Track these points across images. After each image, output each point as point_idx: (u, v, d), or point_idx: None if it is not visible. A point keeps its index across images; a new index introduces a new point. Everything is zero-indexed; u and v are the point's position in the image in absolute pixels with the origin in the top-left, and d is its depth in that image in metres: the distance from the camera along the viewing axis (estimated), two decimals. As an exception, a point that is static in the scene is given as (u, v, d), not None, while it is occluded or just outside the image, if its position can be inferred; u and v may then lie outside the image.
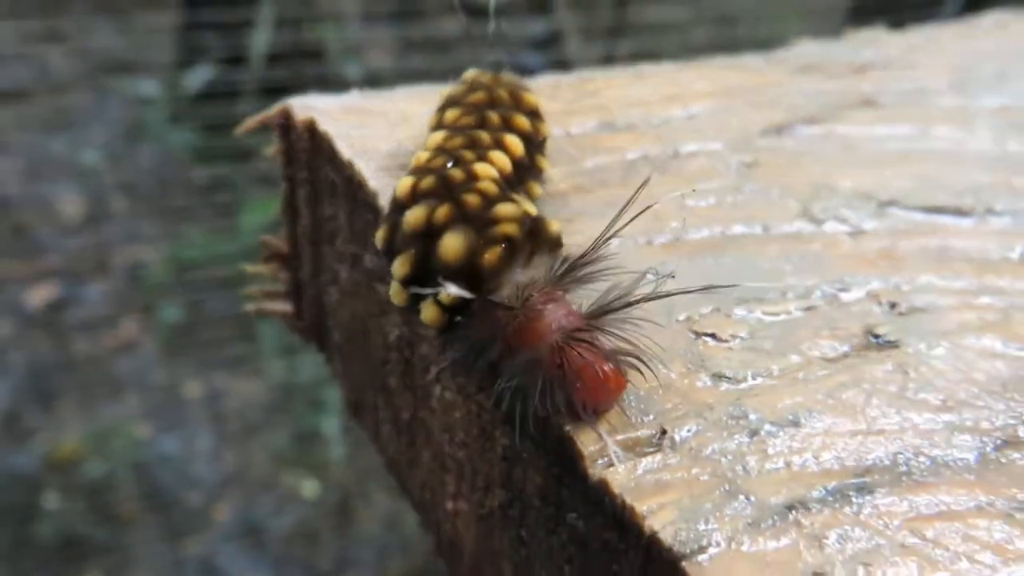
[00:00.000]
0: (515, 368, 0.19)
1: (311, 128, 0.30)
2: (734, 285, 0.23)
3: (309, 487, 1.55)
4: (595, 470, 0.18)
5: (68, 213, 1.77)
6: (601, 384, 0.18)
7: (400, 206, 0.21)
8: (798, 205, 0.29)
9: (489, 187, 0.21)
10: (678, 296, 0.24)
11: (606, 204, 0.28)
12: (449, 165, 0.22)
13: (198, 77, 1.64)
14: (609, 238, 0.21)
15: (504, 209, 0.20)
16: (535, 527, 0.22)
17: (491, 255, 0.19)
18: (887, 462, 0.19)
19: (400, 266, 0.20)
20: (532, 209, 0.21)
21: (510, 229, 0.20)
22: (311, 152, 0.31)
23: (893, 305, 0.24)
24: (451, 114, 0.25)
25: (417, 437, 0.28)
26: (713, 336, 0.22)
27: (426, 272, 0.20)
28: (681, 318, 0.23)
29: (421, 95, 0.33)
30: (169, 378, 1.57)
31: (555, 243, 0.21)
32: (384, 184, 0.27)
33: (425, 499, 0.28)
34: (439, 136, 0.24)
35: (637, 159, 0.31)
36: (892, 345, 0.23)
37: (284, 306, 0.36)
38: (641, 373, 0.19)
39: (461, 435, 0.25)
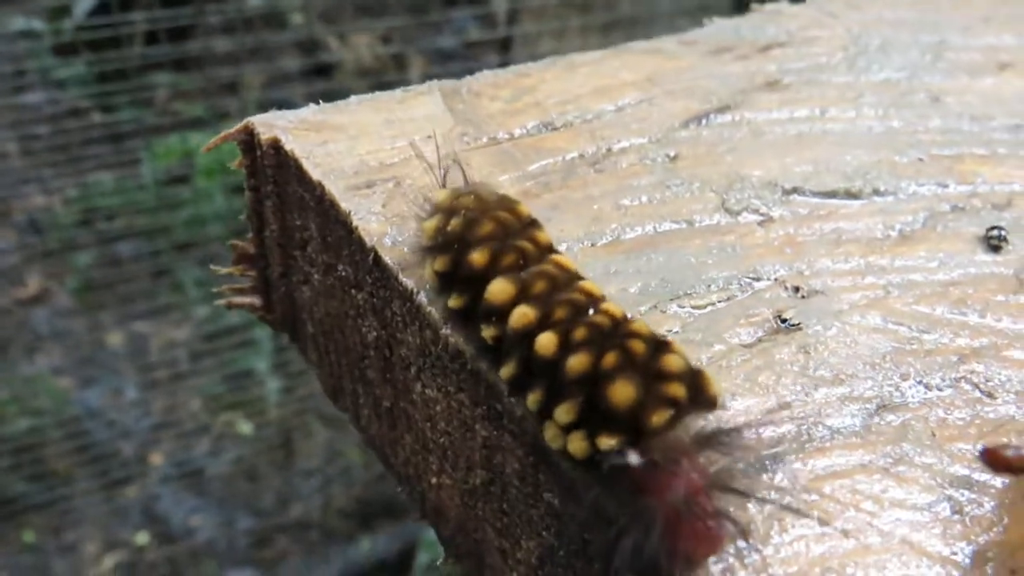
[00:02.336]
0: (633, 508, 0.19)
1: (276, 146, 0.33)
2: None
3: (245, 426, 1.58)
4: (567, 467, 0.23)
5: None
6: (709, 544, 0.19)
7: (550, 360, 0.21)
8: (716, 197, 0.33)
9: (642, 328, 0.21)
10: (621, 297, 0.28)
11: (552, 207, 0.32)
12: (561, 311, 0.22)
13: (81, 7, 1.56)
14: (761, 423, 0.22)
15: (672, 362, 0.20)
16: (515, 501, 0.26)
17: (659, 418, 0.19)
18: (794, 432, 0.24)
19: (566, 413, 0.21)
20: (689, 359, 0.21)
21: (679, 392, 0.20)
22: (276, 168, 0.33)
23: (797, 289, 0.29)
24: (479, 256, 0.24)
25: (398, 423, 0.32)
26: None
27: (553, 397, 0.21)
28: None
29: (376, 106, 0.35)
30: (88, 329, 1.55)
31: (711, 404, 0.20)
32: (355, 204, 0.30)
33: (409, 473, 0.32)
34: (505, 287, 0.23)
35: (575, 158, 0.34)
36: (796, 328, 0.28)
37: (253, 300, 0.39)
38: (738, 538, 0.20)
39: (443, 425, 0.29)
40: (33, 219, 1.63)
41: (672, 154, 0.35)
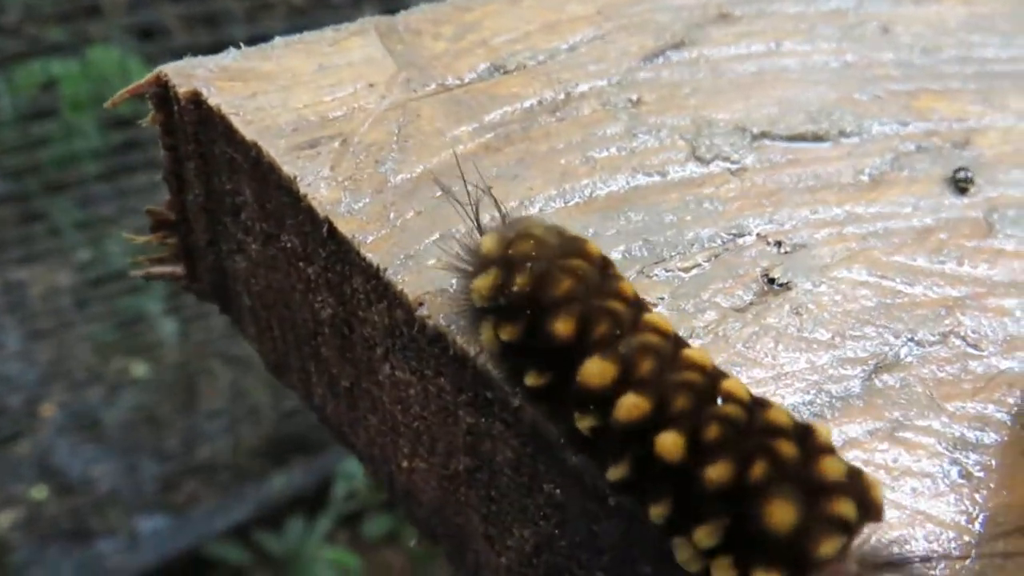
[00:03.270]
0: None
1: (196, 100, 0.29)
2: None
3: (141, 370, 1.50)
4: (570, 457, 0.21)
5: None
6: None
7: (678, 466, 0.18)
8: (686, 145, 0.31)
9: (782, 417, 0.18)
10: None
11: (518, 162, 0.29)
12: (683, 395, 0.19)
13: None
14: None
15: (832, 468, 0.17)
16: (507, 490, 0.24)
17: (829, 547, 0.16)
18: (800, 403, 0.23)
19: (708, 536, 0.17)
20: (843, 457, 0.18)
21: (849, 512, 0.17)
22: (199, 125, 0.29)
23: (779, 244, 0.28)
24: (562, 326, 0.20)
25: (360, 403, 0.29)
26: (643, 301, 0.25)
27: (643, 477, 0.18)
28: (609, 282, 0.26)
29: (306, 49, 0.31)
30: None
31: (877, 515, 0.17)
32: (300, 168, 0.27)
33: (374, 455, 0.30)
34: (605, 368, 0.19)
35: (534, 106, 0.32)
36: (786, 288, 0.26)
37: (174, 269, 0.35)
38: None
39: (417, 409, 0.26)
40: None
41: (634, 98, 0.33)
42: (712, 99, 0.34)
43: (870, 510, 0.17)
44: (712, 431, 0.18)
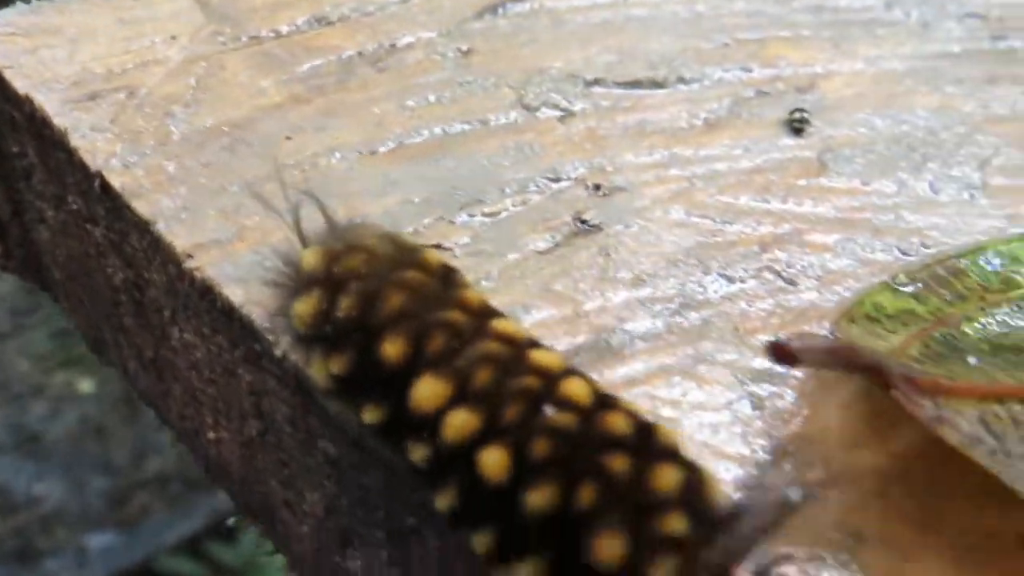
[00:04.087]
0: None
1: (-29, 55, 0.27)
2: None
3: (86, 383, 1.46)
4: (331, 405, 0.20)
5: None
6: None
7: (503, 489, 0.16)
8: (513, 93, 0.30)
9: (620, 423, 0.16)
10: (404, 210, 0.25)
11: (326, 114, 0.27)
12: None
13: None
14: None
15: (665, 478, 0.15)
16: (292, 450, 0.23)
17: (659, 571, 0.15)
18: (592, 341, 0.22)
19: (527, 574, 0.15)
20: (684, 452, 0.16)
21: (679, 527, 0.15)
22: (-21, 82, 0.27)
23: (598, 187, 0.27)
24: (392, 348, 0.17)
25: (165, 373, 0.28)
26: (438, 246, 0.24)
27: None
28: (409, 230, 0.24)
29: (107, 2, 0.29)
30: None
31: (711, 520, 0.15)
32: (74, 120, 0.25)
33: (186, 428, 0.28)
34: (435, 387, 0.17)
35: (353, 57, 0.30)
36: (596, 229, 0.25)
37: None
38: None
39: (207, 372, 0.25)
40: None
41: (465, 48, 0.32)
42: (549, 49, 0.32)
43: (705, 518, 0.15)
44: (539, 446, 0.15)
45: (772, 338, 0.20)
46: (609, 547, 0.15)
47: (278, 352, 0.20)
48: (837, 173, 0.29)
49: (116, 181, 0.24)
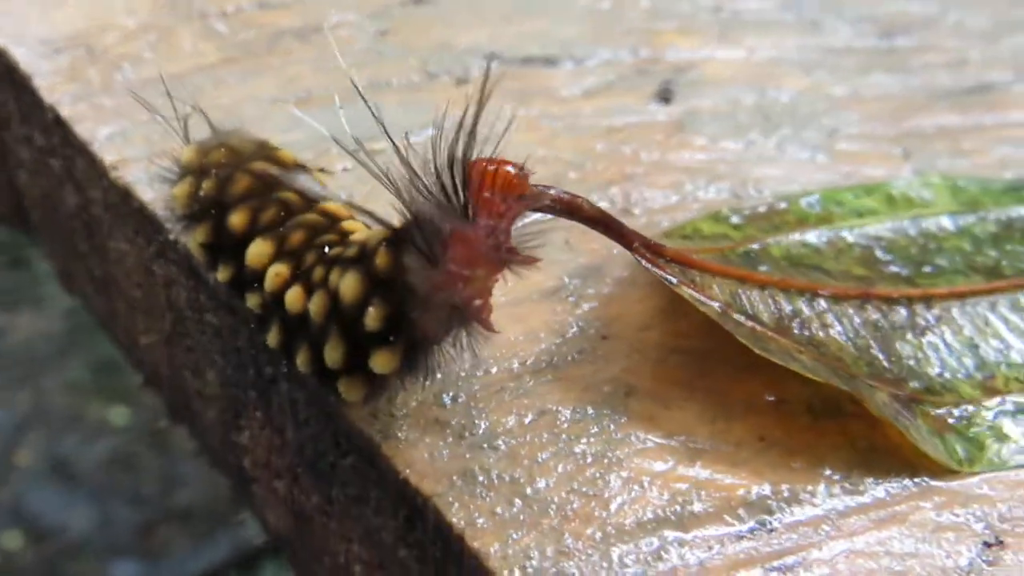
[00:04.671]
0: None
1: (-38, 19, 0.32)
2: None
3: (118, 414, 1.51)
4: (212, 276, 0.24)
5: None
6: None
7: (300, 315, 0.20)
8: (419, 63, 0.35)
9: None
10: (299, 142, 0.30)
11: (250, 73, 0.33)
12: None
13: None
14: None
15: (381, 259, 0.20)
16: (194, 333, 0.27)
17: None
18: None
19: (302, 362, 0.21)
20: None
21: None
22: (-31, 43, 0.33)
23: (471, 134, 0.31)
24: (236, 219, 0.22)
25: (112, 290, 0.32)
26: (322, 169, 0.28)
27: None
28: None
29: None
30: None
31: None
32: (39, 67, 0.30)
33: (128, 343, 0.33)
34: (263, 248, 0.21)
35: (284, 31, 0.35)
36: (464, 164, 0.30)
37: (-18, 196, 0.39)
38: None
39: (136, 277, 0.30)
40: None
41: (384, 28, 0.37)
42: (459, 30, 0.37)
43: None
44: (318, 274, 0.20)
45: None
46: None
47: (171, 236, 0.25)
48: (693, 133, 0.33)
49: (65, 112, 0.29)
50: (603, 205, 0.29)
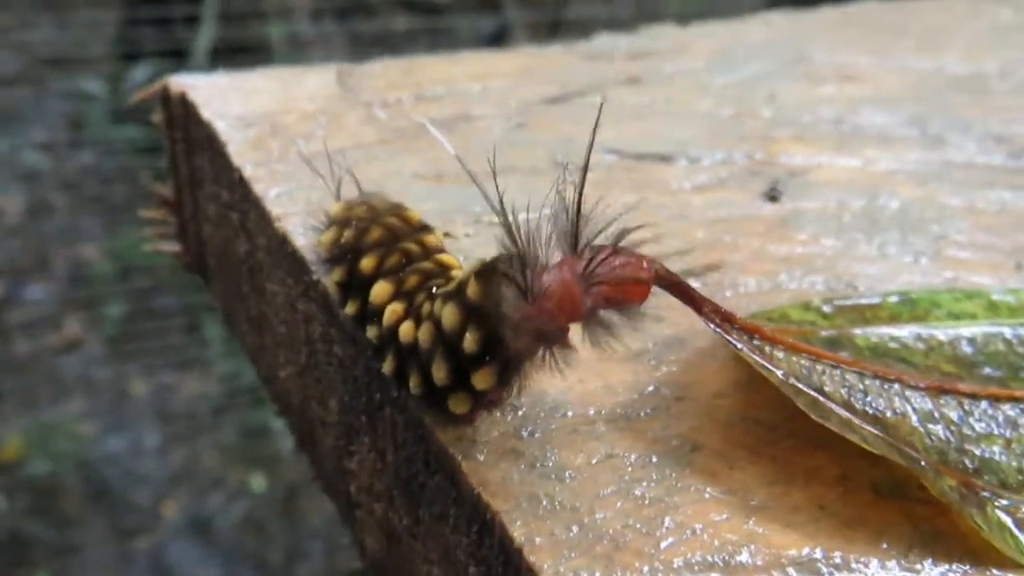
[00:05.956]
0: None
1: (183, 98, 0.40)
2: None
3: (257, 481, 1.60)
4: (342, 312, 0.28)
5: (9, 212, 1.76)
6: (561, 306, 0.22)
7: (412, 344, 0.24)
8: (546, 153, 0.39)
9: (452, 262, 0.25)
10: (433, 211, 0.34)
11: (400, 152, 0.38)
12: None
13: (140, 74, 1.69)
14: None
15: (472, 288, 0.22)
16: (322, 364, 0.31)
17: (470, 342, 0.22)
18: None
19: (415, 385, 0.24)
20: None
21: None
22: (184, 117, 0.40)
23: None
24: (366, 263, 0.26)
25: (263, 327, 0.38)
26: (447, 234, 0.32)
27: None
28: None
29: (278, 76, 0.43)
30: (115, 376, 1.60)
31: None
32: (232, 136, 0.37)
33: (269, 374, 0.38)
34: (384, 287, 0.25)
35: (433, 120, 0.41)
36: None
37: (174, 246, 0.46)
38: None
39: (283, 315, 0.34)
40: (74, 270, 1.70)
41: (521, 122, 0.41)
42: (588, 127, 0.41)
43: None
44: (421, 302, 0.24)
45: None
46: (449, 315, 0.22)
47: (314, 277, 0.30)
48: (795, 229, 0.35)
49: (248, 173, 0.35)
50: (696, 286, 0.31)
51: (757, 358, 0.24)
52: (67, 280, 1.71)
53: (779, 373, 0.24)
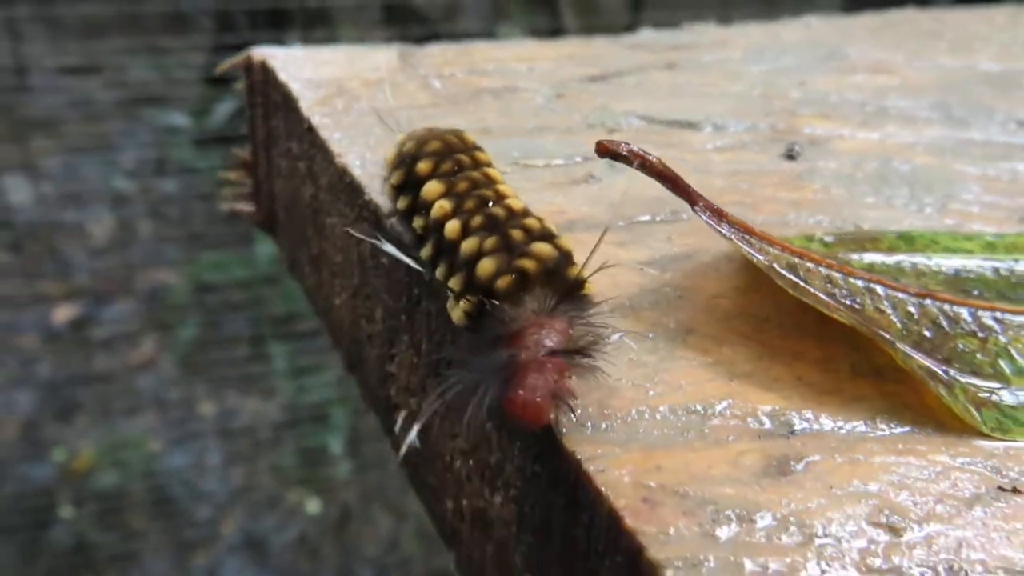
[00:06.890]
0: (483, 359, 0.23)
1: (263, 66, 0.45)
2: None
3: (313, 504, 1.64)
4: (391, 215, 0.32)
5: (97, 236, 1.87)
6: (525, 411, 0.22)
7: (454, 242, 0.26)
8: (581, 117, 0.43)
9: (532, 223, 0.26)
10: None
11: (450, 113, 0.42)
12: (487, 204, 0.27)
13: (223, 111, 1.80)
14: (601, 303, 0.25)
15: (540, 249, 0.24)
16: (371, 280, 0.35)
17: (504, 283, 0.24)
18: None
19: (455, 283, 0.25)
20: (568, 249, 0.25)
21: (528, 265, 0.24)
22: (264, 82, 0.46)
23: (612, 165, 0.38)
24: (424, 166, 0.29)
25: (321, 264, 0.42)
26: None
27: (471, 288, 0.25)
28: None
29: (348, 51, 0.48)
30: (184, 395, 1.67)
31: (574, 284, 0.24)
32: (304, 94, 0.42)
33: (326, 306, 0.42)
34: (436, 186, 0.28)
35: (483, 90, 0.45)
36: (597, 180, 0.36)
37: (248, 206, 0.51)
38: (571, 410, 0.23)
39: (339, 243, 0.39)
40: (153, 292, 1.79)
41: (560, 93, 0.45)
42: (622, 99, 0.45)
43: (565, 279, 0.24)
44: (476, 221, 0.27)
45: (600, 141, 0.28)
46: (484, 268, 0.24)
47: (367, 197, 0.34)
48: (808, 181, 0.38)
49: (315, 121, 0.39)
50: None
51: (744, 247, 0.27)
52: (146, 301, 1.80)
53: (762, 259, 0.27)
